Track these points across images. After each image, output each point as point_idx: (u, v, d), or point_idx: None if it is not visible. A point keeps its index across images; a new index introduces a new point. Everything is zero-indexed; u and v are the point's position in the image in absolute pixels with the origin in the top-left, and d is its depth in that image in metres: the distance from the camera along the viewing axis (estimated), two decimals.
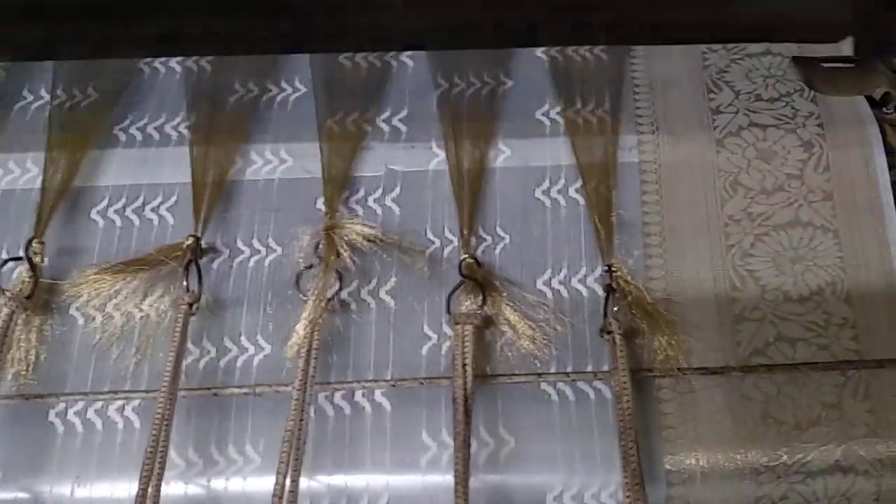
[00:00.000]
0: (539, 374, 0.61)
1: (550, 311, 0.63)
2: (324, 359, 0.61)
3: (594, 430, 0.59)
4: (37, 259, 0.63)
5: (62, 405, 0.60)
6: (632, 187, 0.67)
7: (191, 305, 0.61)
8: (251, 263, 0.65)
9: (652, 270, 0.64)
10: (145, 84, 0.73)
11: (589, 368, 0.61)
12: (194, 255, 0.63)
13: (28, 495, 0.58)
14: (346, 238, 0.63)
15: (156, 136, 0.70)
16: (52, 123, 0.69)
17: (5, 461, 0.59)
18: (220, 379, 0.61)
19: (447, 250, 0.65)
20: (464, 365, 0.58)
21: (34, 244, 0.63)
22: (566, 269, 0.64)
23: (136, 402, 0.60)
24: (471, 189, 0.66)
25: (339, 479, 0.58)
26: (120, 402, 0.60)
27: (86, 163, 0.68)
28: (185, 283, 0.62)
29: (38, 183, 0.67)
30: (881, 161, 0.67)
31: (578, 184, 0.67)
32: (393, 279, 0.64)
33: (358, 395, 0.61)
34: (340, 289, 0.63)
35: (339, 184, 0.66)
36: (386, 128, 0.70)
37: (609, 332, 0.60)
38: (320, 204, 0.66)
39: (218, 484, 0.58)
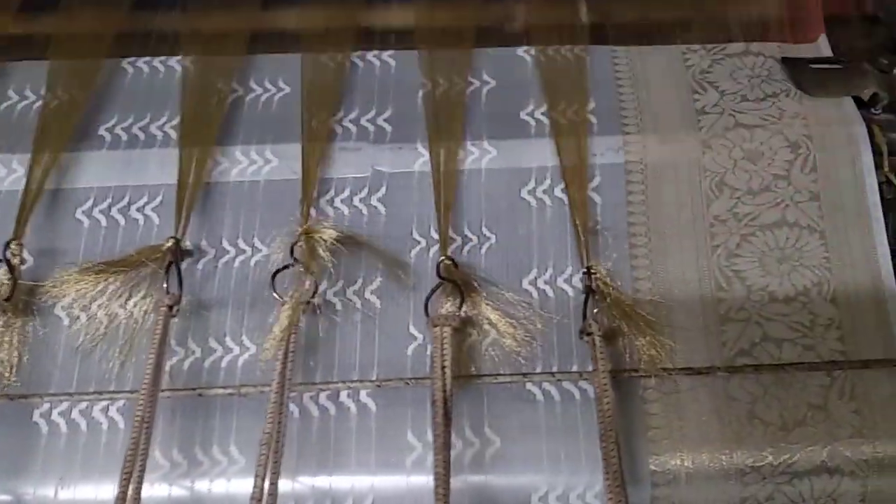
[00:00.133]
0: (524, 374, 0.61)
1: (535, 311, 0.62)
2: (308, 359, 0.61)
3: (579, 431, 0.59)
4: (15, 261, 0.62)
5: (47, 405, 0.60)
6: (617, 188, 0.67)
7: (171, 308, 0.60)
8: (236, 264, 0.65)
9: (637, 271, 0.64)
10: (130, 84, 0.73)
11: (574, 368, 0.61)
12: (174, 257, 0.62)
13: (10, 497, 0.58)
14: (323, 241, 0.63)
15: (141, 136, 0.70)
16: (37, 124, 0.69)
17: None
18: (204, 379, 0.61)
19: (433, 250, 0.65)
20: (443, 367, 0.58)
21: (12, 246, 0.63)
22: (552, 269, 0.64)
23: (121, 403, 0.60)
24: (449, 190, 0.65)
25: (323, 480, 0.58)
26: (104, 403, 0.60)
27: (70, 163, 0.68)
28: (164, 286, 0.62)
29: (24, 184, 0.66)
30: (868, 162, 0.67)
31: (564, 184, 0.66)
32: (378, 279, 0.64)
33: (343, 396, 0.60)
34: (316, 290, 0.62)
35: (317, 185, 0.66)
36: (371, 128, 0.70)
37: (589, 334, 0.60)
38: (301, 204, 0.66)
39: (202, 485, 0.58)
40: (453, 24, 0.74)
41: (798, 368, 0.61)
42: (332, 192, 0.67)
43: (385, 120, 0.70)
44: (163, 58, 0.74)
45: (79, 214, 0.66)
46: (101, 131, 0.70)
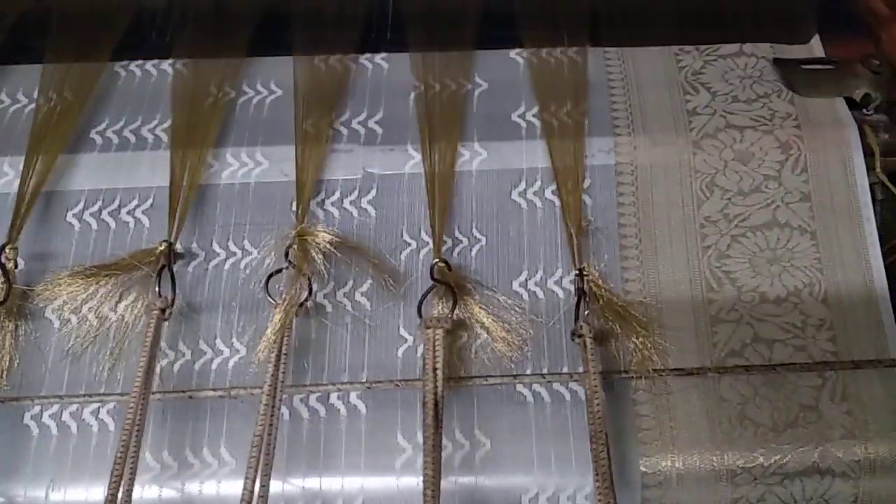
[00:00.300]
0: (514, 376, 0.61)
1: (526, 313, 0.62)
2: (299, 361, 0.61)
3: (570, 432, 0.59)
4: (9, 265, 0.63)
5: (37, 408, 0.60)
6: (608, 189, 0.67)
7: (163, 311, 0.61)
8: (227, 266, 0.65)
9: (628, 272, 0.64)
10: (122, 87, 0.73)
11: (565, 370, 0.61)
12: (167, 261, 0.63)
13: (2, 499, 0.58)
14: (317, 242, 0.63)
15: (132, 139, 0.70)
16: (30, 127, 0.69)
17: None
18: (195, 382, 0.61)
19: (423, 252, 0.65)
20: (434, 368, 0.58)
21: (7, 250, 0.63)
22: (542, 271, 0.64)
23: (111, 405, 0.60)
24: (443, 192, 0.65)
25: (313, 482, 0.58)
26: (95, 405, 0.60)
27: (62, 166, 0.68)
28: (157, 289, 0.62)
29: (15, 187, 0.66)
30: (859, 162, 0.67)
31: (554, 186, 0.66)
32: (368, 281, 0.64)
33: (333, 398, 0.60)
34: (310, 293, 0.62)
35: (312, 187, 0.66)
36: (362, 130, 0.70)
37: (580, 336, 0.60)
38: (296, 207, 0.66)
39: (192, 487, 0.58)
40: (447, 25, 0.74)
41: (789, 369, 0.60)
42: (322, 195, 0.67)
43: (376, 122, 0.70)
44: (155, 61, 0.74)
45: (69, 217, 0.66)
46: (93, 134, 0.70)
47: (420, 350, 0.61)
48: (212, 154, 0.68)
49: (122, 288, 0.63)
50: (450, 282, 0.62)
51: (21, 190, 0.66)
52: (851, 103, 0.70)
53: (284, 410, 0.60)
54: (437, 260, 0.63)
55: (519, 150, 0.68)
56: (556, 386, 0.60)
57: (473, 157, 0.68)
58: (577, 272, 0.62)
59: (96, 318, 0.62)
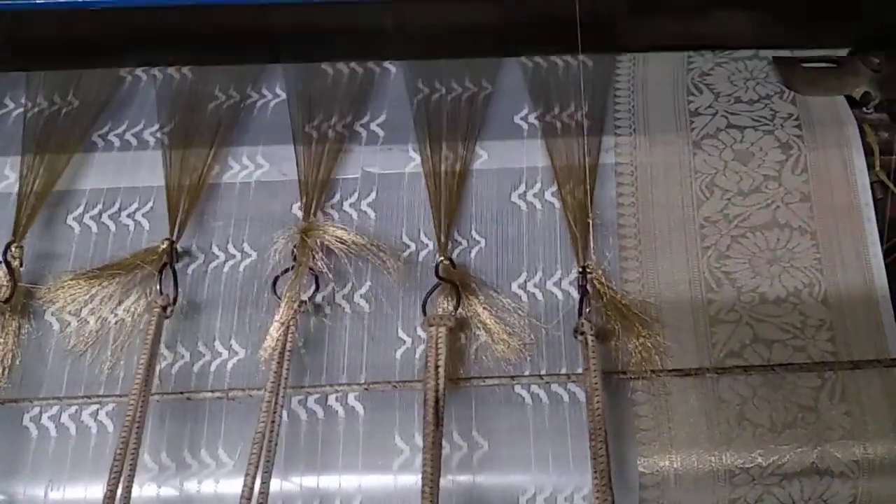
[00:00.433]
0: (513, 377, 0.61)
1: (525, 314, 0.62)
2: (298, 362, 0.61)
3: (568, 433, 0.59)
4: (15, 263, 0.63)
5: (36, 409, 0.61)
6: (607, 189, 0.67)
7: (164, 308, 0.61)
8: (226, 268, 0.65)
9: (627, 272, 0.64)
10: (126, 91, 0.73)
11: (563, 371, 0.61)
12: (169, 259, 0.63)
13: (2, 498, 0.58)
14: (320, 242, 0.63)
15: (133, 141, 0.70)
16: (31, 130, 0.70)
17: None
18: (193, 383, 0.61)
19: (422, 254, 0.65)
20: (437, 367, 0.58)
21: (12, 248, 0.64)
22: (541, 273, 0.64)
23: (110, 407, 0.61)
24: (448, 192, 0.65)
25: (311, 481, 0.58)
26: (94, 407, 0.61)
27: (63, 168, 0.68)
28: (159, 287, 0.62)
29: (15, 188, 0.67)
30: (860, 162, 0.67)
31: (554, 187, 0.67)
32: (368, 283, 0.64)
33: (331, 399, 0.61)
34: (315, 292, 0.62)
35: (316, 188, 0.66)
36: (363, 132, 0.70)
37: (582, 334, 0.60)
38: (296, 208, 0.66)
39: (190, 487, 0.59)
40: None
41: (788, 370, 0.60)
42: (322, 194, 0.67)
43: (378, 125, 0.70)
44: (160, 66, 0.75)
45: (70, 220, 0.67)
46: (94, 137, 0.70)
47: (418, 352, 0.61)
48: (213, 156, 0.68)
49: (123, 290, 0.63)
50: (454, 280, 0.62)
51: (23, 190, 0.66)
52: (851, 102, 0.70)
53: (283, 412, 0.60)
54: (442, 258, 0.63)
55: (519, 151, 0.68)
56: (554, 387, 0.60)
57: (474, 159, 0.68)
58: (581, 269, 0.62)
59: (97, 319, 0.63)
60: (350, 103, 0.71)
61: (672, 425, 0.59)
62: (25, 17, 0.69)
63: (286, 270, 0.63)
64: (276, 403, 0.57)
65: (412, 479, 0.57)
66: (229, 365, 0.62)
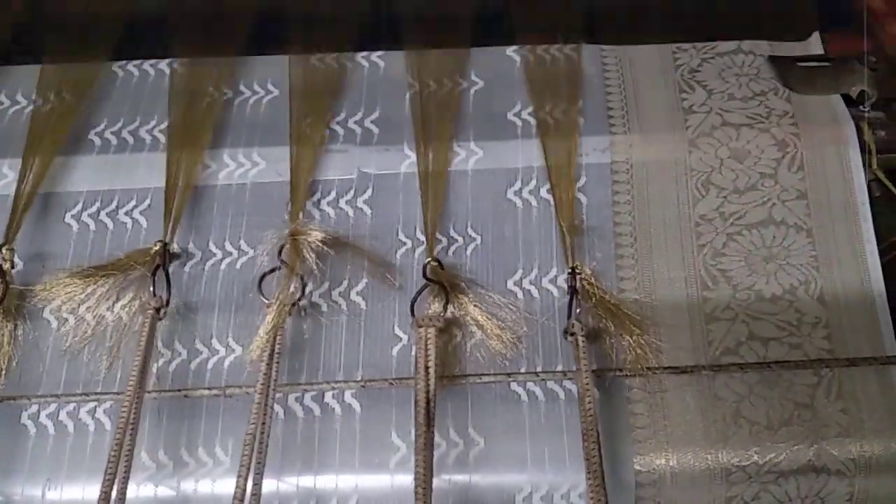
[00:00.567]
0: (509, 374, 0.61)
1: (520, 312, 0.62)
2: (294, 360, 0.61)
3: (564, 430, 0.59)
4: (6, 265, 0.63)
5: (35, 407, 0.61)
6: (603, 188, 0.67)
7: (158, 310, 0.61)
8: (223, 266, 0.65)
9: (623, 270, 0.64)
10: (120, 87, 0.74)
11: (559, 368, 0.61)
12: (162, 261, 0.63)
13: (0, 499, 0.58)
14: (310, 242, 0.63)
15: (130, 140, 0.70)
16: (28, 128, 0.70)
17: None
18: (191, 381, 0.61)
19: (419, 251, 0.65)
20: (426, 367, 0.58)
21: (4, 250, 0.64)
22: (537, 270, 0.64)
23: (108, 405, 0.61)
24: (436, 191, 0.65)
25: (307, 480, 0.58)
26: (92, 405, 0.61)
27: (60, 168, 0.68)
28: (151, 289, 0.62)
29: (14, 188, 0.67)
30: (856, 159, 0.67)
31: (549, 184, 0.66)
32: (364, 280, 0.64)
33: (328, 397, 0.61)
34: (304, 292, 0.63)
35: (305, 187, 0.66)
36: (358, 129, 0.70)
37: (572, 334, 0.60)
38: (289, 207, 0.66)
39: (188, 486, 0.59)
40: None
41: (784, 367, 0.60)
42: (318, 195, 0.67)
43: (372, 122, 0.70)
44: (153, 61, 0.75)
45: (68, 218, 0.67)
46: (91, 135, 0.71)
47: (415, 349, 0.61)
48: (209, 155, 0.69)
49: (118, 288, 0.63)
50: (442, 281, 0.62)
51: (18, 191, 0.66)
52: (848, 100, 0.70)
53: (279, 410, 0.60)
54: (429, 259, 0.63)
55: (514, 149, 0.68)
56: (550, 384, 0.61)
57: (469, 157, 0.68)
58: (570, 270, 0.62)
59: (93, 318, 0.63)
60: (342, 99, 0.71)
61: (668, 423, 0.59)
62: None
63: (271, 270, 0.63)
64: (265, 405, 0.57)
65: (409, 478, 0.57)
66: (226, 362, 0.62)
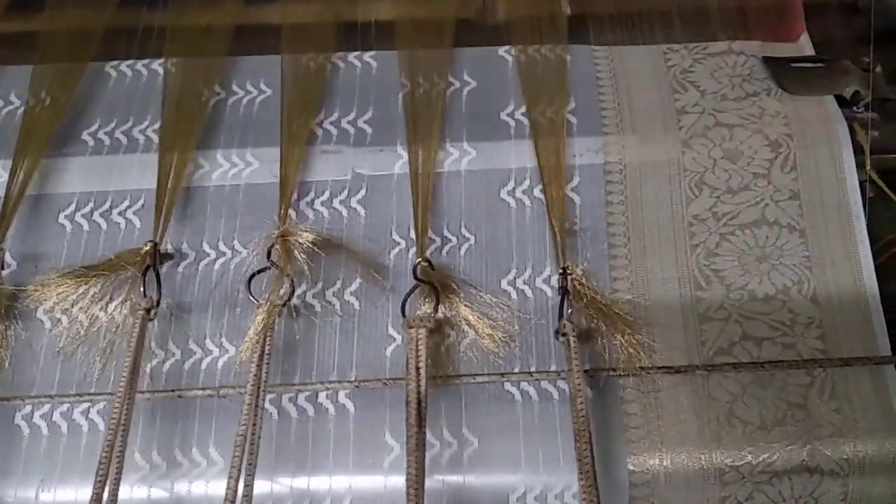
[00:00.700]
0: (502, 374, 0.61)
1: (513, 311, 0.62)
2: (287, 360, 0.61)
3: (557, 430, 0.59)
4: None
5: (28, 408, 0.61)
6: (596, 188, 0.67)
7: (148, 311, 0.61)
8: (216, 266, 0.65)
9: (616, 271, 0.64)
10: (113, 88, 0.74)
11: (553, 368, 0.61)
12: (153, 261, 0.63)
13: None
14: (300, 242, 0.63)
15: (123, 140, 0.70)
16: (20, 128, 0.70)
17: None
18: (184, 381, 0.61)
19: (412, 251, 0.65)
20: (417, 368, 0.58)
21: None
22: (530, 270, 0.64)
23: (101, 405, 0.61)
24: (427, 192, 0.65)
25: (301, 481, 0.58)
26: (85, 405, 0.61)
27: (53, 168, 0.68)
28: (142, 289, 0.62)
29: (5, 188, 0.67)
30: (849, 160, 0.67)
31: (542, 185, 0.67)
32: (358, 281, 0.64)
33: (321, 397, 0.61)
34: (293, 293, 0.63)
35: (295, 188, 0.66)
36: (352, 130, 0.70)
37: (563, 335, 0.60)
38: (279, 207, 0.66)
39: (181, 487, 0.59)
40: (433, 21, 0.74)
41: (778, 367, 0.60)
42: (311, 195, 0.67)
43: (366, 122, 0.70)
44: (146, 61, 0.75)
45: (61, 219, 0.67)
46: (84, 136, 0.71)
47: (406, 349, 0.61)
48: (202, 155, 0.69)
49: (111, 288, 0.63)
50: (433, 281, 0.62)
51: (9, 192, 0.66)
52: (841, 101, 0.70)
53: (273, 410, 0.60)
54: (420, 259, 0.63)
55: (508, 149, 0.69)
56: (543, 384, 0.61)
57: (462, 157, 0.68)
58: (561, 271, 0.62)
59: (87, 318, 0.63)
60: (333, 99, 0.71)
61: (661, 423, 0.59)
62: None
63: (260, 271, 0.63)
64: (256, 406, 0.57)
65: (403, 479, 0.57)
66: (220, 363, 0.62)
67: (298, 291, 0.63)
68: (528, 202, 0.67)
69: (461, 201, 0.67)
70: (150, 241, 0.64)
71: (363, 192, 0.67)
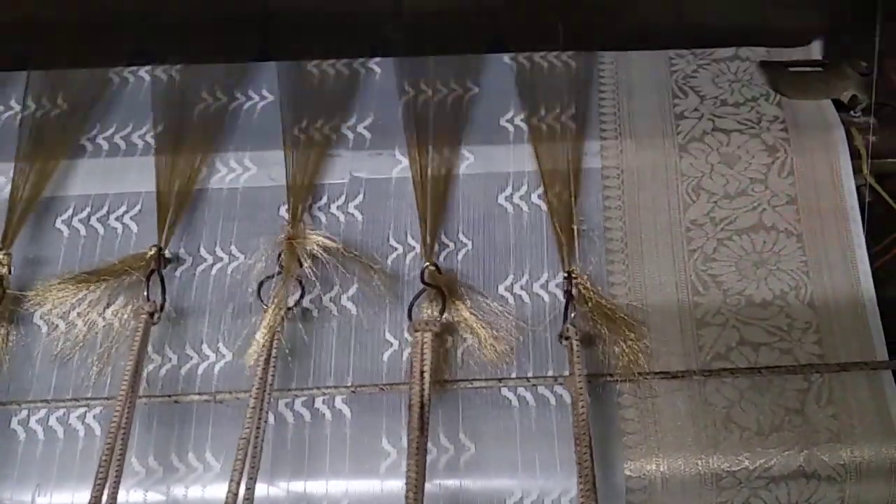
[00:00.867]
0: (500, 380, 0.61)
1: (512, 317, 0.62)
2: (285, 365, 0.61)
3: (555, 436, 0.59)
4: (3, 270, 0.63)
5: (24, 412, 0.61)
6: (594, 193, 0.67)
7: (152, 315, 0.61)
8: (213, 272, 0.65)
9: (614, 276, 0.64)
10: (114, 93, 0.74)
11: (550, 373, 0.61)
12: (157, 266, 0.63)
13: None
14: (307, 248, 0.63)
15: (122, 145, 0.70)
16: (22, 134, 0.70)
17: None
18: (181, 387, 0.61)
19: (409, 257, 0.65)
20: (422, 372, 0.58)
21: (0, 255, 0.64)
22: (528, 275, 0.64)
23: (98, 411, 0.61)
24: (434, 197, 0.66)
25: (298, 485, 0.58)
26: (81, 410, 0.61)
27: (52, 173, 0.68)
28: (146, 293, 0.62)
29: (7, 193, 0.67)
30: (846, 165, 0.67)
31: (541, 190, 0.67)
32: (355, 286, 0.64)
33: (318, 402, 0.61)
34: (302, 297, 0.63)
35: (303, 192, 0.66)
36: (351, 135, 0.70)
37: (567, 338, 0.60)
38: (283, 212, 0.66)
39: (178, 492, 0.58)
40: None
41: (775, 372, 0.60)
42: (310, 199, 0.67)
43: (365, 127, 0.70)
44: (148, 67, 0.75)
45: (59, 224, 0.67)
46: (84, 140, 0.71)
47: (405, 354, 0.61)
48: (201, 160, 0.68)
49: (110, 293, 0.63)
50: (440, 285, 0.62)
51: (14, 196, 0.66)
52: (839, 105, 0.70)
53: (270, 415, 0.60)
54: (427, 263, 0.63)
55: (505, 154, 0.69)
56: (540, 390, 0.61)
57: (461, 162, 0.68)
58: (566, 274, 0.62)
59: (84, 323, 0.63)
60: (337, 105, 0.71)
61: (659, 429, 0.59)
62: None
63: (271, 276, 0.63)
64: (261, 409, 0.57)
65: (399, 484, 0.57)
66: (216, 368, 0.62)
67: (298, 297, 0.63)
68: (525, 207, 0.67)
69: (458, 207, 0.67)
70: (155, 245, 0.64)
71: (360, 196, 0.67)
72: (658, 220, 0.66)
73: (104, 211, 0.67)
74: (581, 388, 0.57)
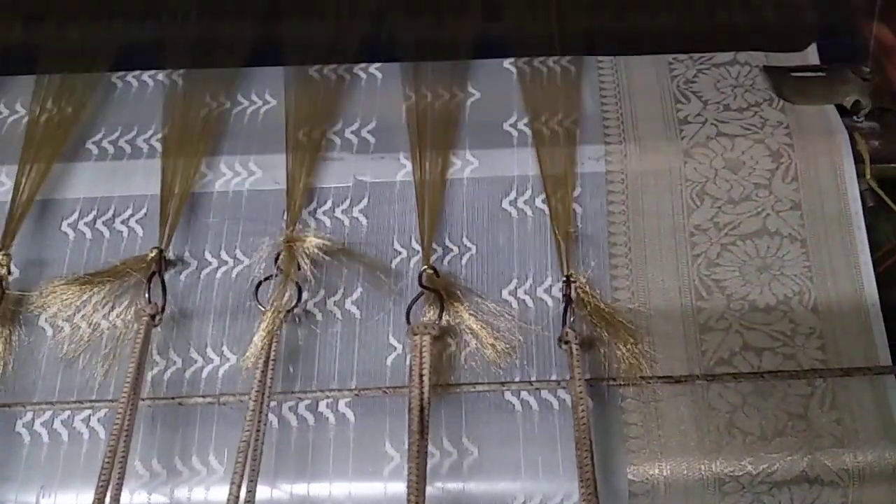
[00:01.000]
0: (503, 383, 0.61)
1: (515, 321, 0.62)
2: (288, 369, 0.61)
3: (557, 440, 0.59)
4: (2, 271, 0.63)
5: (29, 415, 0.61)
6: (598, 197, 0.67)
7: (153, 317, 0.61)
8: (218, 275, 0.65)
9: (617, 280, 0.64)
10: (118, 97, 0.74)
11: (553, 377, 0.61)
12: (158, 268, 0.63)
13: None
14: (305, 250, 0.63)
15: (127, 148, 0.71)
16: (26, 137, 0.70)
17: None
18: (185, 389, 0.61)
19: (413, 261, 0.65)
20: (420, 375, 0.58)
21: (1, 256, 0.64)
22: (532, 279, 0.64)
23: (102, 413, 0.61)
24: (433, 200, 0.66)
25: (301, 488, 0.58)
26: (86, 413, 0.61)
27: (57, 176, 0.69)
28: (147, 296, 0.62)
29: (10, 196, 0.67)
30: (850, 170, 0.67)
31: (545, 193, 0.67)
32: (359, 290, 0.64)
33: (322, 406, 0.61)
34: (299, 300, 0.63)
35: (301, 195, 0.67)
36: (355, 139, 0.70)
37: (566, 342, 0.60)
38: (286, 214, 0.66)
39: (181, 494, 0.59)
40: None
41: (778, 377, 0.60)
42: (314, 203, 0.68)
43: (369, 132, 0.71)
44: (152, 72, 0.75)
45: (64, 227, 0.67)
46: (89, 144, 0.71)
47: (409, 358, 0.61)
48: (205, 163, 0.69)
49: (114, 295, 0.64)
50: (438, 288, 0.62)
51: (15, 198, 0.66)
52: (842, 110, 0.70)
53: (273, 418, 0.60)
54: (425, 267, 0.63)
55: (510, 158, 0.69)
56: (543, 393, 0.61)
57: (465, 166, 0.69)
58: (565, 279, 0.62)
59: (89, 325, 0.63)
60: (339, 109, 0.72)
61: (662, 433, 0.59)
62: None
63: (268, 278, 0.63)
64: (260, 412, 0.57)
65: (402, 487, 0.57)
66: (221, 371, 0.62)
67: (301, 299, 0.63)
68: (529, 212, 0.67)
69: (463, 211, 0.67)
70: (156, 247, 0.64)
71: (365, 200, 0.68)
72: (662, 224, 0.66)
73: (109, 214, 0.67)
74: (581, 392, 0.57)
